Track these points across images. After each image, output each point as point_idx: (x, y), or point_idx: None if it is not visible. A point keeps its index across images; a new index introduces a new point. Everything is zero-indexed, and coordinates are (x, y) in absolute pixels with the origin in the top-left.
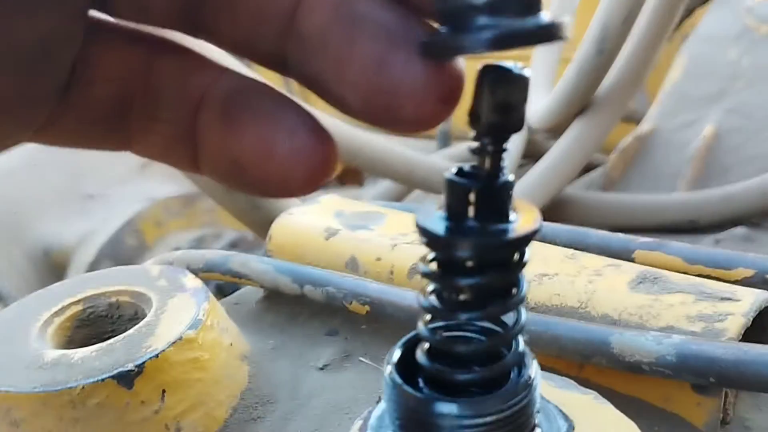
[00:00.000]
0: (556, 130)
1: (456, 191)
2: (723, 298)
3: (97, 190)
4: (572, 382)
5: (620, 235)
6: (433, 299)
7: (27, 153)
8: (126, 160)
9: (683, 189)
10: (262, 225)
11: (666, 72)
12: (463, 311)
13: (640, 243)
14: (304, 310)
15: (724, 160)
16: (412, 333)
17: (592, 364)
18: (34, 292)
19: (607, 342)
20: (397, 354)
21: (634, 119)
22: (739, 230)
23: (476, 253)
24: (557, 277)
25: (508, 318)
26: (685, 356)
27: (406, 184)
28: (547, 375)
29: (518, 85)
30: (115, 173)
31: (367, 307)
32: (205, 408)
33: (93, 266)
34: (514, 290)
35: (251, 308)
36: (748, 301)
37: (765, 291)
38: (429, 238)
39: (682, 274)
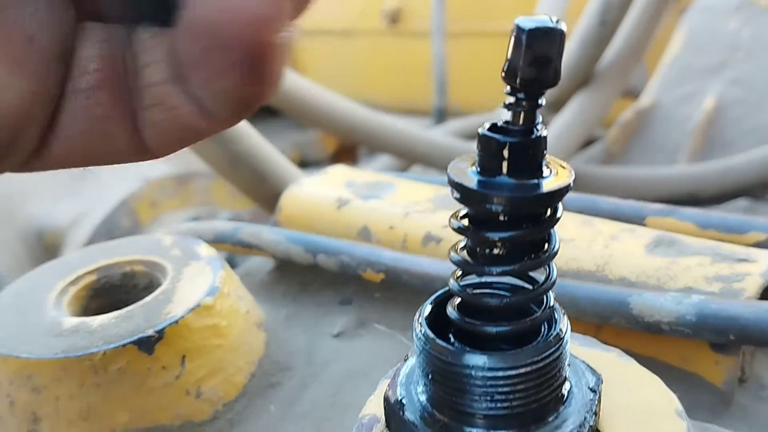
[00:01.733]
0: (558, 103)
1: (490, 146)
2: (740, 260)
3: (89, 171)
4: (595, 340)
5: (631, 201)
6: (465, 254)
7: None
8: None
9: (684, 162)
10: (267, 199)
11: (663, 46)
12: (495, 265)
13: (652, 209)
14: (315, 280)
15: (725, 132)
16: (442, 291)
17: (610, 325)
18: (27, 273)
19: (626, 303)
20: (427, 309)
21: (632, 95)
22: (741, 202)
23: (509, 207)
24: (573, 242)
25: (538, 276)
26: (705, 315)
27: (406, 159)
28: (571, 335)
29: (555, 37)
30: None
31: (381, 275)
32: (224, 374)
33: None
34: (546, 245)
35: (262, 279)
36: (765, 261)
37: None
38: (462, 192)
39: (697, 238)
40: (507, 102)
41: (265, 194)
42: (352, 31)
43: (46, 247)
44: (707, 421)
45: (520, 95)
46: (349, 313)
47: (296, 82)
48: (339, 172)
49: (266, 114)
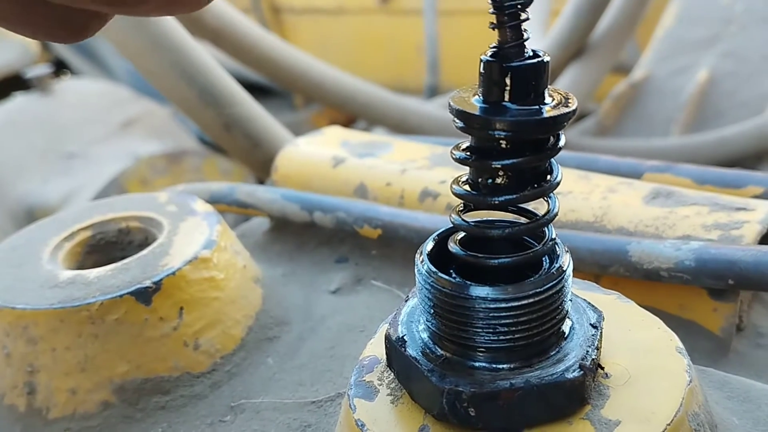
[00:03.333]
0: (551, 74)
1: (491, 71)
2: (738, 208)
3: (78, 149)
4: (595, 285)
5: (629, 159)
6: (467, 187)
7: (5, 113)
8: (106, 118)
9: (677, 134)
10: (261, 164)
11: (656, 21)
12: (498, 195)
13: (649, 166)
14: (311, 240)
15: (718, 104)
16: (443, 229)
17: (609, 274)
18: (21, 230)
19: (625, 250)
20: (429, 245)
21: (624, 70)
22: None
23: (512, 132)
24: (571, 194)
25: (539, 209)
26: (704, 260)
27: (400, 131)
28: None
29: None
30: (95, 132)
31: (379, 231)
32: (222, 326)
33: None
34: (548, 176)
35: (258, 239)
36: (763, 210)
37: None
38: (464, 119)
39: (695, 190)
40: (492, 23)
41: (259, 159)
42: (343, 9)
43: None
44: (706, 366)
45: (500, 12)
46: (346, 270)
47: (290, 54)
48: (334, 132)
49: (258, 93)
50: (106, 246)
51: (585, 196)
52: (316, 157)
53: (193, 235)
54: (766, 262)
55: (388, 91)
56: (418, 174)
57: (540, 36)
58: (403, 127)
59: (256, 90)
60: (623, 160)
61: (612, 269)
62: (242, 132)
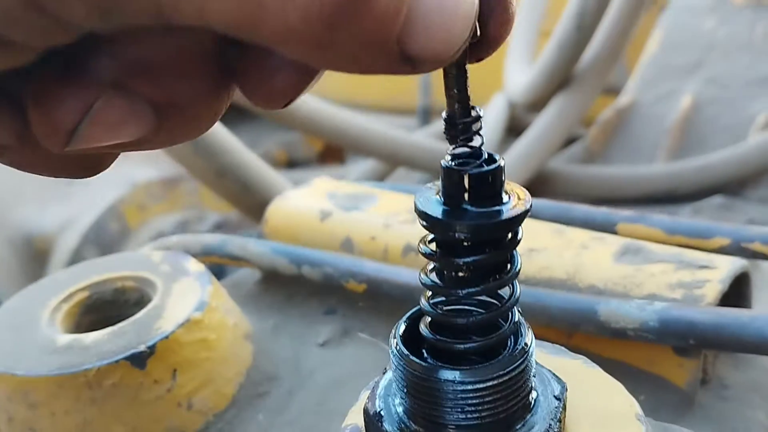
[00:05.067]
0: (538, 104)
1: (451, 176)
2: (701, 266)
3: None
4: (562, 348)
5: (603, 209)
6: (434, 277)
7: None
8: None
9: (662, 160)
10: (252, 208)
11: (644, 44)
12: (462, 287)
13: (623, 216)
14: (300, 291)
15: (702, 130)
16: (416, 308)
17: (580, 332)
18: (16, 279)
19: (594, 310)
20: (402, 327)
21: (613, 91)
22: (717, 199)
23: (472, 234)
24: (546, 251)
25: (504, 292)
26: (666, 321)
27: (390, 162)
28: (540, 342)
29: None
30: None
31: (363, 286)
32: (214, 385)
33: (76, 252)
34: (509, 266)
35: (249, 290)
36: (724, 268)
37: (740, 259)
38: (428, 221)
39: (663, 245)
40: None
41: (251, 204)
42: None
43: (34, 253)
44: (672, 420)
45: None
46: (334, 322)
47: None
48: (322, 183)
49: (253, 114)
50: (102, 305)
51: (559, 253)
52: (304, 211)
53: (185, 297)
54: (723, 325)
55: (380, 115)
56: (401, 228)
57: (527, 64)
58: (394, 159)
59: (249, 111)
60: (598, 211)
61: (582, 328)
62: (234, 178)
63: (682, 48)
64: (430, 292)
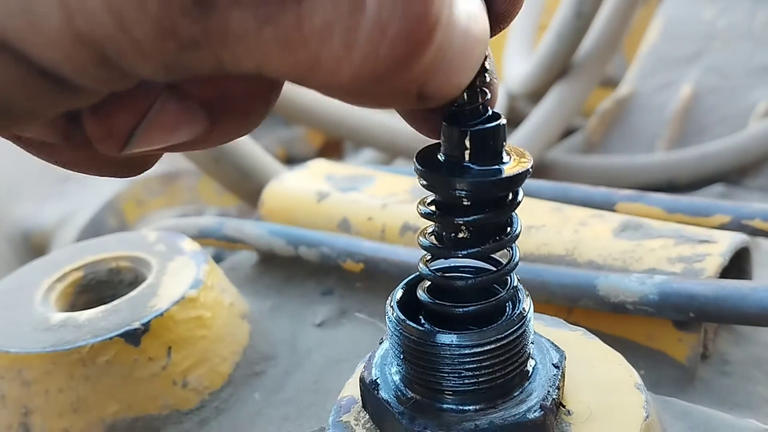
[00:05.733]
0: (537, 94)
1: (452, 134)
2: (701, 241)
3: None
4: (562, 321)
5: (602, 188)
6: (433, 239)
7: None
8: None
9: (662, 150)
10: (251, 194)
11: (643, 35)
12: (461, 248)
13: (622, 195)
14: (298, 272)
15: (701, 119)
16: (413, 276)
17: (579, 307)
18: (14, 272)
19: (593, 285)
20: (399, 293)
21: (612, 83)
22: (717, 188)
23: (473, 191)
24: (544, 228)
25: (503, 258)
26: (666, 294)
27: (389, 152)
28: (539, 315)
29: None
30: None
31: (361, 265)
32: (209, 364)
33: None
34: (508, 229)
35: (247, 273)
36: (725, 242)
37: (741, 234)
38: (428, 179)
39: (663, 221)
40: None
41: (248, 190)
42: None
43: (32, 248)
44: (672, 394)
45: None
46: (331, 303)
47: None
48: (319, 166)
49: None
50: (97, 285)
51: (558, 230)
52: (301, 192)
53: (180, 275)
54: (724, 296)
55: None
56: (398, 208)
57: (526, 55)
58: (393, 149)
59: None
60: (597, 190)
61: (582, 302)
62: (232, 164)
63: (681, 38)
64: (429, 256)
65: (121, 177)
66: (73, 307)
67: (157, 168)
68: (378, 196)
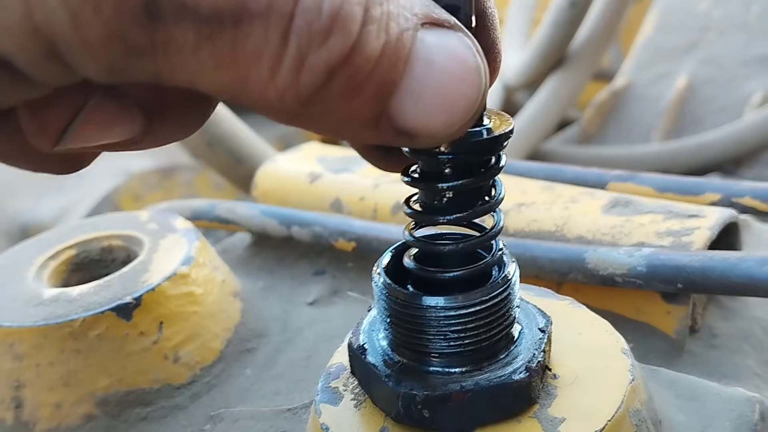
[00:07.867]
0: (532, 85)
1: None
2: (690, 216)
3: None
4: (550, 291)
5: (594, 168)
6: (417, 207)
7: None
8: None
9: (658, 140)
10: (244, 180)
11: (639, 27)
12: (445, 214)
13: (613, 175)
14: (291, 253)
15: (697, 110)
16: (400, 242)
17: (569, 281)
18: (6, 250)
19: (582, 258)
20: (386, 259)
21: (608, 76)
22: (712, 178)
23: (455, 155)
24: (534, 205)
25: (488, 224)
26: (654, 266)
27: None
28: (527, 286)
29: None
30: None
31: (353, 244)
32: (201, 339)
33: None
34: (492, 192)
35: (240, 254)
36: (714, 216)
37: (730, 209)
38: None
39: (653, 198)
40: None
41: (241, 175)
42: None
43: None
44: (661, 366)
45: None
46: (323, 282)
47: None
48: (312, 148)
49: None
50: (90, 264)
51: (547, 207)
52: (294, 174)
53: (172, 252)
54: (711, 267)
55: None
56: (390, 188)
57: (521, 46)
58: None
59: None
60: (589, 170)
61: (571, 276)
62: (225, 149)
63: (677, 29)
64: (414, 223)
65: (55, 173)
66: (66, 285)
67: (155, 163)
68: (370, 177)
